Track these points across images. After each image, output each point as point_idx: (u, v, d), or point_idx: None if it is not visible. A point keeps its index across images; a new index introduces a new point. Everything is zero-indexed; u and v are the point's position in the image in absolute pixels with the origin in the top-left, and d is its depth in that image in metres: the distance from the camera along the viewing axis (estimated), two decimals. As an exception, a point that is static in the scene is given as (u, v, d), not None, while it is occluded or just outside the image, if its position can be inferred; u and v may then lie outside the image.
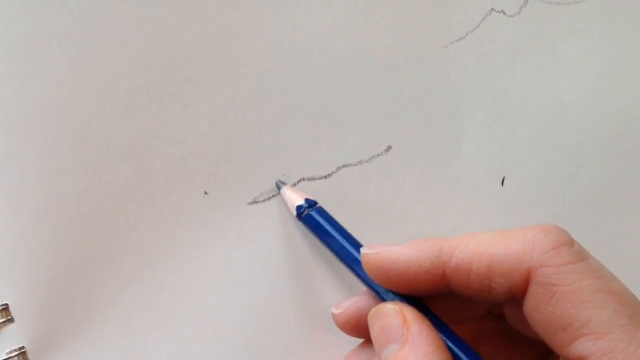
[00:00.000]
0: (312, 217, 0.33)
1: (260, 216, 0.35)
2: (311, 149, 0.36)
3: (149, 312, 0.34)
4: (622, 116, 0.39)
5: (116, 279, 0.33)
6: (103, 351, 0.33)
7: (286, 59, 0.36)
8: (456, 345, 0.27)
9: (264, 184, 0.35)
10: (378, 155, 0.36)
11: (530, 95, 0.38)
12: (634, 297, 0.25)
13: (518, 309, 0.26)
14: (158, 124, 0.34)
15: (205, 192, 0.35)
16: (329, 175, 0.36)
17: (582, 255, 0.25)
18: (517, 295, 0.26)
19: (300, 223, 0.34)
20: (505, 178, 0.38)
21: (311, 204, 0.33)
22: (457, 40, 0.38)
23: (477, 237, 0.27)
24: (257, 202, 0.35)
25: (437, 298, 0.29)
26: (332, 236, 0.32)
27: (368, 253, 0.29)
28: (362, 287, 0.31)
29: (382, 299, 0.29)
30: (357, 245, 0.31)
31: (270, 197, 0.35)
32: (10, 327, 0.32)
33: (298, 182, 0.36)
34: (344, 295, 0.34)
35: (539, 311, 0.25)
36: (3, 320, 0.32)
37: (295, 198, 0.34)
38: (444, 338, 0.27)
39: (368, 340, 0.30)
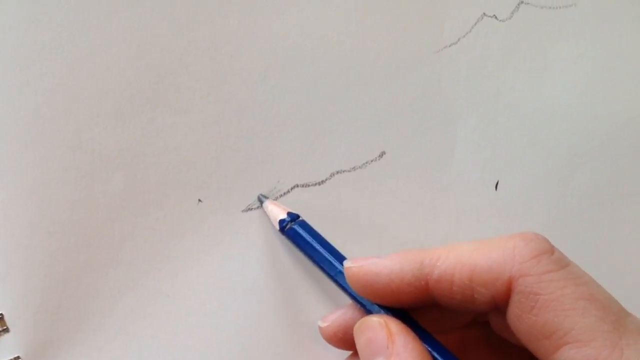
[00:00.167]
0: (295, 230, 0.33)
1: (255, 224, 0.35)
2: (305, 155, 0.36)
3: (143, 321, 0.33)
4: (615, 119, 0.39)
5: (111, 287, 0.33)
6: (98, 360, 0.33)
7: (279, 66, 0.36)
8: (442, 356, 0.27)
9: (257, 192, 0.35)
10: (372, 161, 0.37)
11: (523, 99, 0.38)
12: (616, 303, 0.25)
13: (503, 316, 0.26)
14: (151, 133, 0.34)
15: (199, 200, 0.35)
16: (322, 181, 0.36)
17: (562, 263, 0.25)
18: (499, 304, 0.26)
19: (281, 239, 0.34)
20: (499, 182, 0.38)
21: (294, 217, 0.33)
22: (450, 46, 0.38)
23: (458, 247, 0.27)
24: (251, 209, 0.35)
25: (422, 309, 0.29)
26: (316, 250, 0.32)
27: (351, 267, 0.29)
28: (348, 300, 0.31)
29: (367, 312, 0.29)
30: (340, 258, 0.31)
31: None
32: (5, 337, 0.32)
33: (292, 188, 0.36)
34: (335, 305, 0.34)
35: (522, 320, 0.25)
36: (-2, 330, 0.32)
37: (277, 212, 0.34)
38: (430, 349, 0.27)
39: (356, 353, 0.30)
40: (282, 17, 0.36)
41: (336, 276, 0.31)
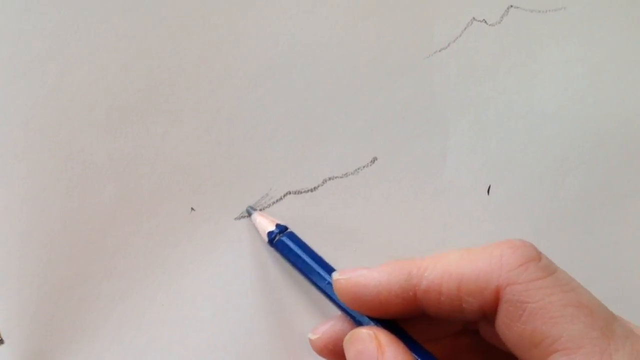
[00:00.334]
0: (283, 242, 0.33)
1: (248, 231, 0.35)
2: (297, 162, 0.36)
3: (138, 330, 0.34)
4: (606, 122, 0.39)
5: (105, 297, 0.33)
6: (93, 371, 0.33)
7: (269, 73, 0.36)
8: None
9: (250, 199, 0.35)
10: (364, 167, 0.37)
11: (514, 103, 0.38)
12: (604, 308, 0.25)
13: (492, 325, 0.26)
14: (143, 142, 0.34)
15: (192, 209, 0.35)
16: (315, 188, 0.36)
17: (549, 270, 0.25)
18: (488, 313, 0.26)
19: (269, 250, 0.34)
20: (491, 187, 0.38)
21: (282, 229, 0.33)
22: (440, 51, 0.38)
23: (445, 257, 0.27)
24: (244, 217, 0.35)
25: (411, 319, 0.29)
26: (304, 262, 0.32)
27: (339, 279, 0.28)
28: (338, 311, 0.31)
29: (357, 323, 0.29)
30: (329, 270, 0.31)
31: (257, 212, 0.35)
32: (0, 348, 0.32)
33: (284, 196, 0.36)
34: (327, 314, 0.34)
35: (511, 329, 0.25)
36: (-8, 342, 0.32)
37: (265, 224, 0.34)
38: (420, 359, 0.27)
39: None
40: (272, 25, 0.36)
41: (325, 288, 0.31)
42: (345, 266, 0.30)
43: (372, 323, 0.28)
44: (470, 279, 0.25)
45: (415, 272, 0.27)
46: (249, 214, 0.35)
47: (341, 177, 0.36)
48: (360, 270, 0.28)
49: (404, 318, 0.28)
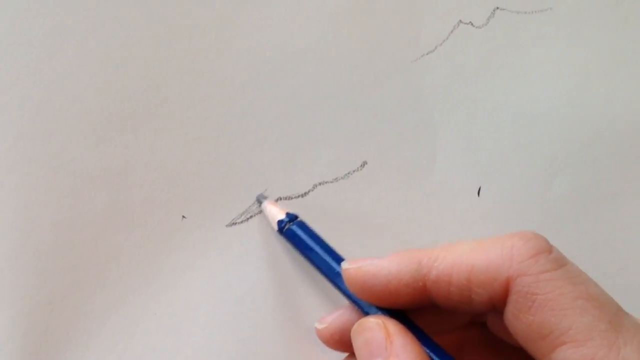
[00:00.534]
0: (293, 231, 0.33)
1: (239, 238, 0.35)
2: (287, 168, 0.36)
3: (132, 339, 0.33)
4: (595, 122, 0.39)
5: (98, 307, 0.33)
6: (87, 381, 0.33)
7: (257, 80, 0.36)
8: (439, 357, 0.27)
9: (241, 206, 0.35)
10: (354, 171, 0.37)
11: (502, 104, 0.38)
12: (614, 302, 0.25)
13: (500, 317, 0.26)
14: (132, 151, 0.34)
15: (183, 216, 0.35)
16: (305, 193, 0.36)
17: (560, 262, 0.25)
18: (497, 304, 0.26)
19: (281, 239, 0.34)
20: (481, 188, 0.38)
21: (292, 218, 0.33)
22: (427, 54, 0.38)
23: (456, 247, 0.27)
24: (235, 223, 0.35)
25: (419, 310, 0.29)
26: (314, 250, 0.32)
27: (349, 268, 0.28)
28: (346, 300, 0.31)
29: (365, 313, 0.29)
30: (338, 259, 0.31)
31: (248, 218, 0.35)
32: (-7, 360, 0.32)
33: (275, 202, 0.36)
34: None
35: (520, 320, 0.25)
36: (-16, 355, 0.32)
37: (276, 213, 0.34)
38: (427, 350, 0.27)
39: (354, 355, 0.30)
40: (258, 32, 0.36)
41: (334, 277, 0.31)
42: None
43: (380, 313, 0.28)
44: (480, 269, 0.25)
45: (425, 262, 0.27)
46: (259, 203, 0.35)
47: (331, 182, 0.36)
48: (370, 260, 0.28)
49: (412, 308, 0.28)
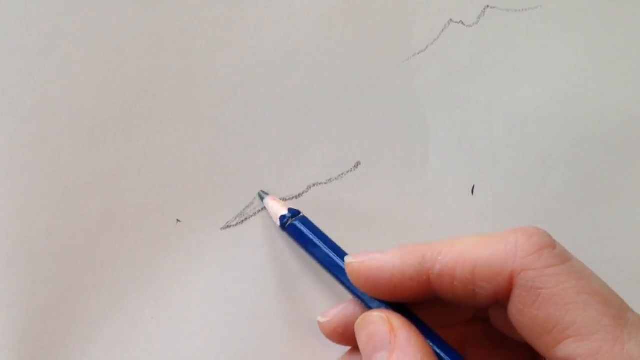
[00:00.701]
0: (295, 227, 0.33)
1: (234, 240, 0.35)
2: (280, 170, 0.36)
3: (129, 344, 0.33)
4: (587, 119, 0.39)
5: (94, 312, 0.33)
6: (84, 387, 0.33)
7: (249, 82, 0.36)
8: (443, 351, 0.27)
9: (235, 208, 0.35)
10: (347, 172, 0.37)
11: (495, 103, 0.38)
12: (617, 297, 0.25)
13: (503, 312, 0.26)
14: (126, 155, 0.34)
15: (178, 220, 0.35)
16: (300, 195, 0.36)
17: (564, 257, 0.25)
18: (501, 299, 0.26)
19: (282, 235, 0.34)
20: (475, 187, 0.38)
21: (294, 213, 0.33)
22: (418, 53, 0.38)
23: (460, 242, 0.27)
24: (230, 226, 0.35)
25: (422, 304, 0.29)
26: (316, 245, 0.32)
27: (352, 262, 0.28)
28: (349, 295, 0.31)
29: (368, 307, 0.29)
30: (341, 254, 0.31)
31: (243, 221, 0.35)
32: (-10, 367, 0.32)
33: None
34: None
35: (524, 314, 0.25)
36: (-20, 362, 0.32)
37: (278, 208, 0.34)
38: (431, 344, 0.27)
39: (355, 348, 0.30)
40: (249, 34, 0.36)
41: (337, 271, 0.31)
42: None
43: (383, 307, 0.28)
44: (484, 264, 0.25)
45: (429, 256, 0.27)
46: (261, 198, 0.35)
47: (325, 183, 0.36)
48: (374, 254, 0.28)
49: (415, 302, 0.28)
